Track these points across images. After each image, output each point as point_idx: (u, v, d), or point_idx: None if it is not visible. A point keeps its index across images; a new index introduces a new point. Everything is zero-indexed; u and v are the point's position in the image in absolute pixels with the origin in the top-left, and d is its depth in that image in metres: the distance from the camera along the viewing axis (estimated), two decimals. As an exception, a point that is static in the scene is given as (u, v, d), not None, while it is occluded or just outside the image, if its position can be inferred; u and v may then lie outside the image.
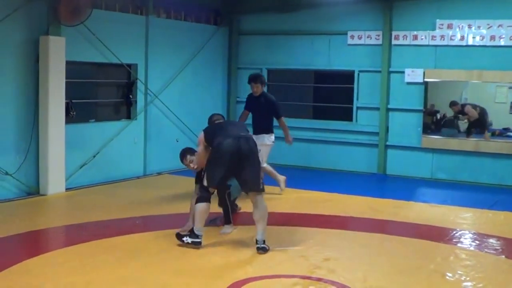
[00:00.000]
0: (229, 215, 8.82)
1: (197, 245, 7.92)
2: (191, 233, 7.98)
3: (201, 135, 8.28)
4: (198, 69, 14.80)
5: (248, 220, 9.68)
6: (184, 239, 7.97)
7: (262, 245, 7.96)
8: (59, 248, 8.15)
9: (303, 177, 13.66)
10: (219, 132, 8.06)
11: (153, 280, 6.93)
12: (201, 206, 7.94)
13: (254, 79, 11.44)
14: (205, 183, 8.00)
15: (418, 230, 9.37)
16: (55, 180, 11.15)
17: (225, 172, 7.94)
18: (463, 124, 13.87)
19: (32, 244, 8.29)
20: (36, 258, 7.60)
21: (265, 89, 11.94)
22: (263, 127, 11.30)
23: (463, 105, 13.76)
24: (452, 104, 13.81)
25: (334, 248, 8.29)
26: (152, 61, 13.51)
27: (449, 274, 7.34)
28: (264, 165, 10.65)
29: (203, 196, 7.97)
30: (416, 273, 7.36)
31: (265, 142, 11.12)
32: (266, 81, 11.88)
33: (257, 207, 8.05)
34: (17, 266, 7.26)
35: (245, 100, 15.79)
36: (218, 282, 6.84)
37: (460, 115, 13.86)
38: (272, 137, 11.40)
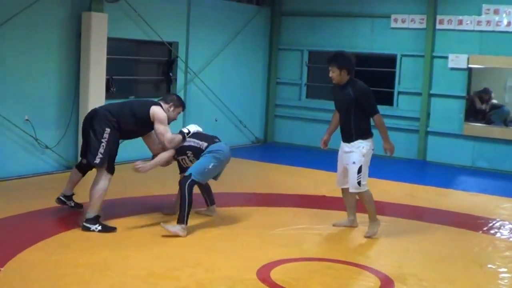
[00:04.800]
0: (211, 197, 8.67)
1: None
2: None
3: None
4: (239, 49, 14.75)
5: (281, 202, 9.67)
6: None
7: (83, 223, 7.68)
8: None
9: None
10: None
11: (187, 257, 6.94)
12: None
13: (329, 59, 8.01)
14: None
15: (457, 219, 9.22)
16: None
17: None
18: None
19: (69, 217, 8.31)
20: (72, 231, 7.66)
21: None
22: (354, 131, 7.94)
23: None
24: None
25: (370, 233, 8.20)
26: (193, 39, 13.50)
27: (487, 265, 7.23)
28: (363, 189, 7.94)
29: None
30: (453, 262, 7.25)
31: (362, 151, 7.92)
32: (350, 65, 7.89)
33: (93, 182, 7.85)
34: (53, 238, 7.35)
35: (285, 81, 15.86)
36: (250, 262, 6.81)
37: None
38: (365, 143, 7.95)
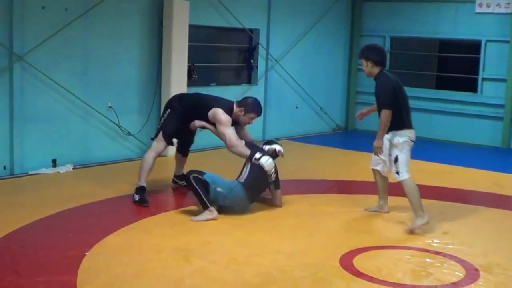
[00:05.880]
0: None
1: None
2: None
3: None
4: (320, 35, 14.65)
5: (362, 189, 9.56)
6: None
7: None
8: (177, 208, 8.30)
9: (424, 148, 13.28)
10: None
11: (268, 244, 6.95)
12: None
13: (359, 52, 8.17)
14: None
15: (545, 208, 8.96)
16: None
17: None
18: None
19: (152, 203, 8.43)
20: (155, 217, 7.80)
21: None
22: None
23: None
24: None
25: (454, 222, 8.03)
26: (274, 26, 13.47)
27: None
28: (402, 177, 7.68)
29: None
30: (540, 252, 7.05)
31: (394, 142, 7.82)
32: (376, 57, 7.79)
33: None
34: (137, 224, 7.50)
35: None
36: (332, 249, 6.78)
37: None
38: (399, 135, 7.80)
